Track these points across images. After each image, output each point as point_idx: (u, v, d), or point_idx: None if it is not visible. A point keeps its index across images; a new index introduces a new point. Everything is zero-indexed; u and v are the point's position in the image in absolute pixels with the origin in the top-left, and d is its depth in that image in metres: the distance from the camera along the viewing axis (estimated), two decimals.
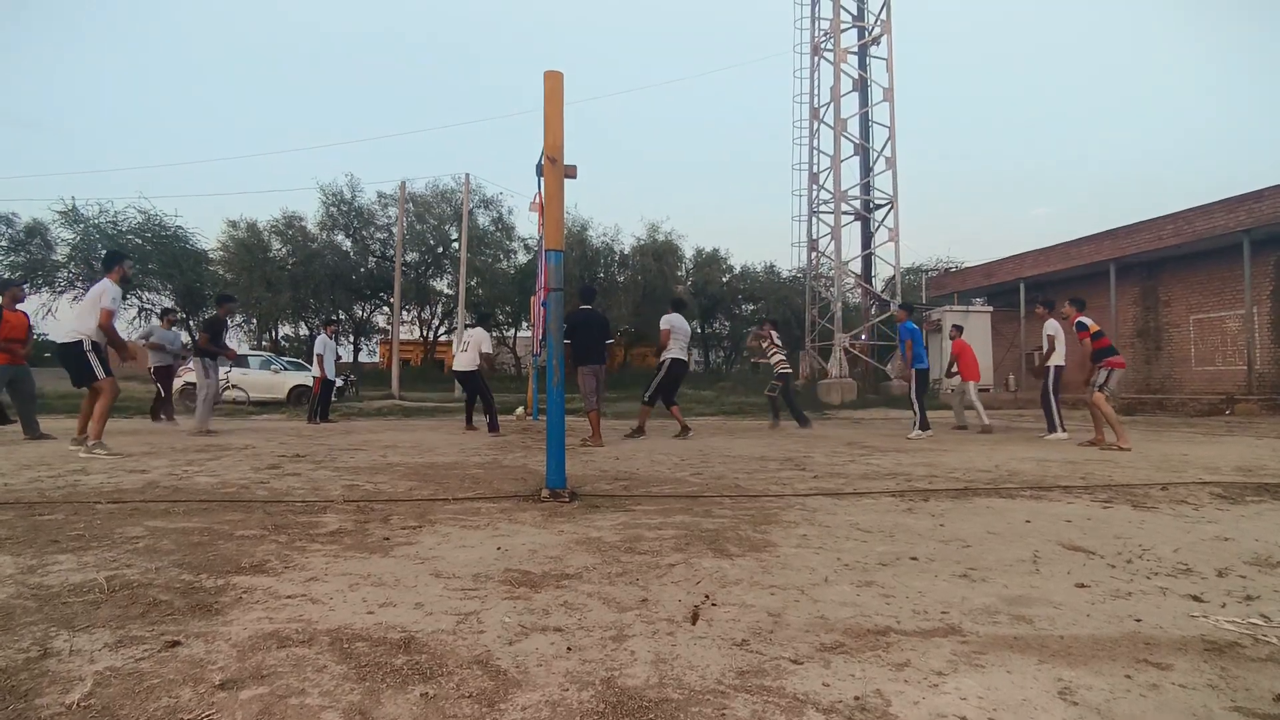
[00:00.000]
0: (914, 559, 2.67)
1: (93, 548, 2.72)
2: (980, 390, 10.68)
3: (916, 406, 8.83)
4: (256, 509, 3.57)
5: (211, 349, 8.80)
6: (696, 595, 2.20)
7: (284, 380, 16.35)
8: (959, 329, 10.84)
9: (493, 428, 8.92)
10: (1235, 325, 15.81)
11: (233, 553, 2.66)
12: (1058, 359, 8.30)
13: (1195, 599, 2.21)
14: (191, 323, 30.60)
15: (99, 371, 5.94)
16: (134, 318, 28.81)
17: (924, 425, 8.69)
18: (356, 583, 2.30)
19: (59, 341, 6.09)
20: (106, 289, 6.02)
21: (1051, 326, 8.29)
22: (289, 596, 2.15)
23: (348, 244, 30.41)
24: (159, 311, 11.67)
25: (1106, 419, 7.28)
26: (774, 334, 10.32)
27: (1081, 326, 7.73)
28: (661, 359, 8.44)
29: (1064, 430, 8.32)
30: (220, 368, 10.43)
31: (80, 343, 5.91)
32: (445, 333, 34.66)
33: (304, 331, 32.87)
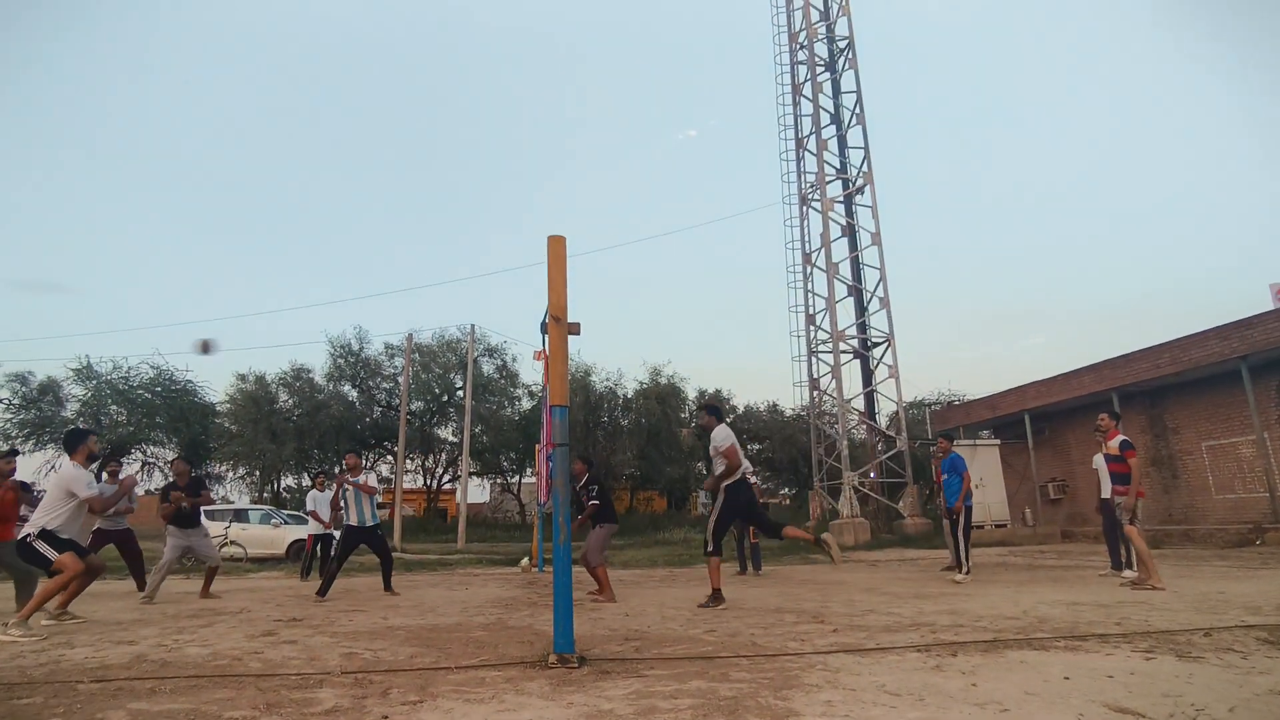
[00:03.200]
0: None
1: None
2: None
3: (965, 545, 8.12)
4: (248, 685, 3.38)
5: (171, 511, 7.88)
6: None
7: (284, 535, 16.00)
8: None
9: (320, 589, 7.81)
10: (1250, 451, 15.59)
11: None
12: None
13: None
14: (194, 473, 30.36)
15: (50, 555, 5.58)
16: (136, 471, 28.69)
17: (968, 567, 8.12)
18: None
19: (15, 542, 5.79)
20: (76, 478, 5.68)
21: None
22: None
23: (354, 394, 30.78)
24: (98, 464, 9.89)
25: (1139, 554, 6.95)
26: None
27: (1128, 445, 7.11)
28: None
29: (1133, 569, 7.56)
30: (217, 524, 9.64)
31: (26, 537, 5.62)
32: (449, 480, 34.32)
33: (306, 483, 32.56)
